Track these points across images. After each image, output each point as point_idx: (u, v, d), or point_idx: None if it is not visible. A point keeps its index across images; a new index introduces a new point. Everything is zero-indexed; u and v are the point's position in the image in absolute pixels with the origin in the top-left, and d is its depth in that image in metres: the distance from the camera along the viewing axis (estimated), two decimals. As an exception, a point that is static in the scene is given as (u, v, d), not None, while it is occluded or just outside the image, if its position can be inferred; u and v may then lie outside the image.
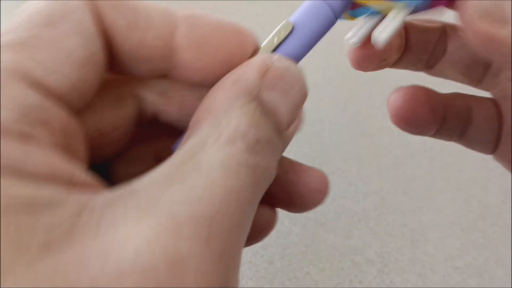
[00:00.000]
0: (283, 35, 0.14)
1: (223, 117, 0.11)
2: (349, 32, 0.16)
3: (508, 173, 0.41)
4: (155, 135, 0.15)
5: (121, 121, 0.13)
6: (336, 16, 0.15)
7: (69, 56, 0.11)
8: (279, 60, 0.13)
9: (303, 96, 0.13)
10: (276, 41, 0.14)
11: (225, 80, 0.12)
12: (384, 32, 0.15)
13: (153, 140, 0.15)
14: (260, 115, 0.12)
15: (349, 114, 0.42)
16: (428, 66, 0.18)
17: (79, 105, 0.11)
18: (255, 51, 0.13)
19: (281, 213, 0.37)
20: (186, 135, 0.12)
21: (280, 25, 0.14)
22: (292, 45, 0.14)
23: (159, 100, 0.14)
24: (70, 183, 0.10)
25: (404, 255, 0.33)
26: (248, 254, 0.33)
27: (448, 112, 0.17)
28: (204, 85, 0.13)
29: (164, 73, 0.13)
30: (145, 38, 0.12)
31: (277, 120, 0.12)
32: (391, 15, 0.15)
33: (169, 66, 0.13)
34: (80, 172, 0.10)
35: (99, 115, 0.13)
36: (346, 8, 0.15)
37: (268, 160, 0.11)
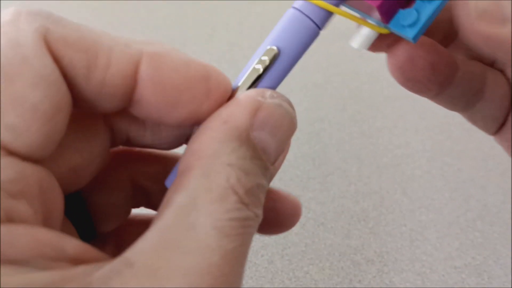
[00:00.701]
0: (268, 62, 0.13)
1: (213, 165, 0.11)
2: (352, 38, 0.15)
3: (507, 173, 0.41)
4: (129, 159, 0.15)
5: (95, 154, 0.13)
6: (320, 28, 0.14)
7: (36, 112, 0.10)
8: (271, 97, 0.12)
9: (292, 131, 0.13)
10: (261, 70, 0.13)
11: (215, 119, 0.12)
12: (353, 41, 0.15)
13: (128, 164, 0.15)
14: (250, 159, 0.11)
15: (348, 114, 0.42)
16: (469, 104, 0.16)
17: (50, 153, 0.11)
18: (226, 92, 0.13)
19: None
20: (176, 181, 0.11)
21: (262, 51, 0.13)
22: (277, 70, 0.14)
23: (131, 127, 0.14)
24: (63, 258, 0.10)
25: (403, 255, 0.33)
26: (249, 253, 0.34)
27: (457, 76, 0.16)
28: (166, 123, 0.13)
29: (127, 109, 0.12)
30: (105, 78, 0.11)
31: (266, 159, 0.12)
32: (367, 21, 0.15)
33: (132, 103, 0.12)
34: (69, 242, 0.10)
35: (71, 153, 0.13)
36: (330, 17, 0.14)
37: (258, 205, 0.11)
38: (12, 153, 0.10)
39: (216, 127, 0.12)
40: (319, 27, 0.14)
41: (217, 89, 0.12)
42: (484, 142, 0.40)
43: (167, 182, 0.14)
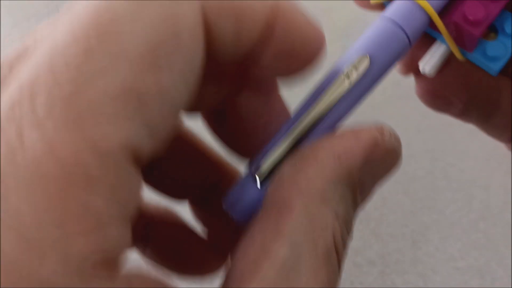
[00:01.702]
0: (360, 71, 0.12)
1: (320, 213, 0.10)
2: (422, 60, 0.14)
3: (509, 173, 0.41)
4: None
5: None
6: (411, 44, 0.13)
7: (172, 113, 0.09)
8: (389, 136, 0.11)
9: (393, 173, 0.11)
10: (352, 79, 0.12)
11: (327, 151, 0.10)
12: (427, 64, 0.14)
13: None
14: (352, 207, 0.10)
15: (349, 114, 0.41)
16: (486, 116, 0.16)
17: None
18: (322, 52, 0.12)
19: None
20: (273, 219, 0.10)
21: (356, 59, 0.12)
22: (366, 83, 0.12)
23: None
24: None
25: (405, 256, 0.33)
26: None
27: (473, 89, 0.15)
28: (276, 76, 0.12)
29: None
30: (248, 42, 0.10)
31: (362, 202, 0.11)
32: (436, 44, 0.14)
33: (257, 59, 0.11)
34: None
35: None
36: (421, 33, 0.13)
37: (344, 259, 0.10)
38: (137, 159, 0.08)
39: (328, 161, 0.10)
40: (410, 42, 0.13)
41: (321, 53, 0.12)
42: (487, 143, 0.39)
43: (228, 203, 0.12)
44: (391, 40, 0.13)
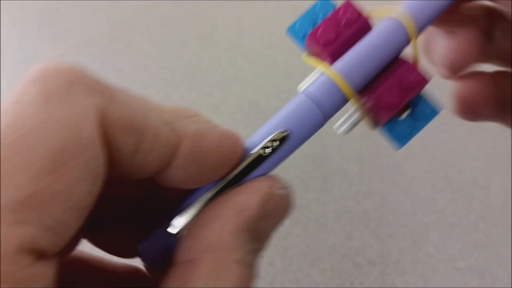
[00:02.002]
0: (275, 145, 0.14)
1: (223, 263, 0.11)
2: (338, 121, 0.16)
3: (510, 173, 0.41)
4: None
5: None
6: (326, 120, 0.15)
7: (75, 210, 0.09)
8: (280, 188, 0.13)
9: (286, 217, 0.13)
10: (267, 151, 0.14)
11: (227, 207, 0.12)
12: (342, 126, 0.15)
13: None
14: (254, 251, 0.12)
15: (349, 114, 0.41)
16: None
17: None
18: (241, 157, 0.13)
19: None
20: (182, 273, 0.11)
21: (273, 134, 0.14)
22: (280, 153, 0.14)
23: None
24: None
25: (405, 256, 0.33)
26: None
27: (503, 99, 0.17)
28: (187, 187, 0.13)
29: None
30: (147, 159, 0.11)
31: (264, 244, 0.12)
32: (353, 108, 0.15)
33: (162, 174, 0.12)
34: None
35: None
36: (339, 109, 0.15)
37: None
38: (41, 255, 0.09)
39: (229, 216, 0.11)
40: (325, 118, 0.15)
41: (238, 158, 0.13)
42: (486, 143, 0.39)
43: (143, 248, 0.13)
44: (307, 117, 0.14)
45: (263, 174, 0.14)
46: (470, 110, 0.17)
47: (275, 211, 0.13)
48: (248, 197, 0.12)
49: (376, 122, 0.15)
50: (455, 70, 0.17)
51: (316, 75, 0.15)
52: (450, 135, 0.41)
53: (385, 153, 0.40)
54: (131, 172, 0.11)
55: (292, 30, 0.15)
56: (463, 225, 0.35)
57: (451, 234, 0.34)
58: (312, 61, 0.15)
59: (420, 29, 0.15)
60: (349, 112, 0.16)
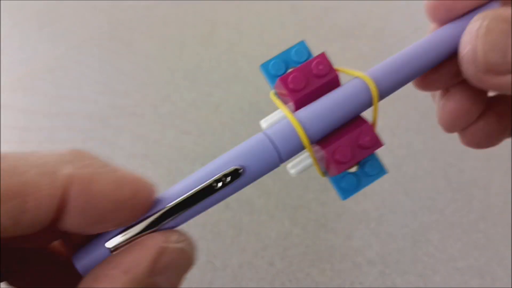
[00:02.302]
0: (228, 180, 0.14)
1: None
2: (292, 162, 0.16)
3: (510, 173, 0.41)
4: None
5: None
6: (281, 163, 0.15)
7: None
8: (176, 241, 0.13)
9: (189, 269, 0.13)
10: (219, 186, 0.14)
11: (115, 267, 0.12)
12: (293, 168, 0.16)
13: None
14: None
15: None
16: None
17: None
18: (151, 202, 0.13)
19: (281, 213, 0.37)
20: None
21: (227, 170, 0.14)
22: (231, 188, 0.14)
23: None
24: None
25: (405, 256, 0.33)
26: (248, 255, 0.33)
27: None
28: (85, 234, 0.13)
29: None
30: (35, 216, 0.11)
31: None
32: (307, 154, 0.16)
33: (58, 222, 0.12)
34: None
35: None
36: (296, 153, 0.15)
37: None
38: None
39: (117, 277, 0.12)
40: (280, 162, 0.15)
41: (141, 203, 0.13)
42: (486, 142, 0.39)
43: (76, 258, 0.14)
44: (263, 158, 0.14)
45: (210, 206, 0.15)
46: (453, 126, 0.18)
47: (170, 266, 0.12)
48: (138, 254, 0.12)
49: (326, 171, 0.16)
50: (450, 130, 0.19)
51: (278, 116, 0.15)
52: (450, 135, 0.41)
53: (385, 153, 0.40)
54: (29, 229, 0.12)
55: (265, 67, 0.16)
56: (463, 225, 0.35)
57: (451, 234, 0.34)
58: (277, 102, 0.16)
59: (383, 94, 0.16)
60: (303, 156, 0.16)
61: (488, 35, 0.14)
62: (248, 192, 0.37)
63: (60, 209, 0.12)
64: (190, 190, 0.14)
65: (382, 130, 0.41)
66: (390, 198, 0.37)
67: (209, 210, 0.38)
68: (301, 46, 0.16)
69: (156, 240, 0.12)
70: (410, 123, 0.42)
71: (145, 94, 0.45)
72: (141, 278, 0.12)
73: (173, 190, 0.14)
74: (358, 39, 0.50)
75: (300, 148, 0.15)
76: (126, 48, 0.50)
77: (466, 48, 0.15)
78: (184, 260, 0.13)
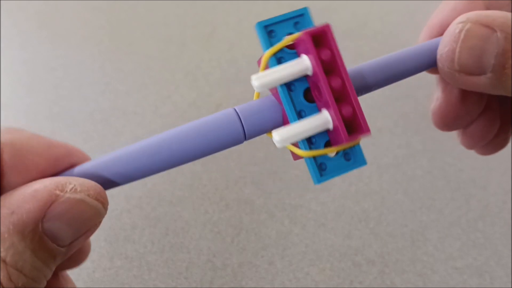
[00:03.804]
0: None
1: None
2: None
3: (508, 173, 0.41)
4: None
5: None
6: (245, 139, 0.15)
7: None
8: (73, 191, 0.12)
9: (96, 221, 0.13)
10: None
11: (3, 205, 0.12)
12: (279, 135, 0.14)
13: None
14: (31, 252, 0.12)
15: (349, 114, 0.41)
16: None
17: None
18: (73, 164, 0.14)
19: (281, 213, 0.37)
20: None
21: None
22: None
23: None
24: None
25: (404, 255, 0.33)
26: (248, 254, 0.33)
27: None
28: None
29: None
30: None
31: (58, 245, 0.12)
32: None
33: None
34: None
35: None
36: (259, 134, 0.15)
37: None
38: None
39: (2, 217, 0.12)
40: (245, 138, 0.15)
41: (79, 163, 0.14)
42: (485, 142, 0.40)
43: None
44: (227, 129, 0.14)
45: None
46: (443, 123, 0.20)
47: (64, 214, 0.12)
48: (28, 198, 0.12)
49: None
50: (441, 127, 0.20)
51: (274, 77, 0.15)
52: (448, 135, 0.41)
53: (385, 153, 0.40)
54: None
55: (262, 29, 0.15)
56: (462, 225, 0.35)
57: (450, 233, 0.35)
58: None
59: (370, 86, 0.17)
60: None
61: (467, 40, 0.15)
62: (248, 192, 0.37)
63: None
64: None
65: (381, 130, 0.41)
66: (389, 198, 0.37)
67: (209, 209, 0.38)
68: (306, 19, 0.15)
69: (47, 188, 0.12)
70: (409, 123, 0.42)
71: (146, 94, 0.45)
72: (27, 223, 0.12)
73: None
74: (357, 39, 0.50)
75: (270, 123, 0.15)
76: (126, 48, 0.50)
77: (445, 48, 0.15)
78: (84, 210, 0.13)
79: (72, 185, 0.13)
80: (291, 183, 0.37)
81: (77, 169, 0.14)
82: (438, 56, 0.16)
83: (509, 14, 0.15)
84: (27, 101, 0.44)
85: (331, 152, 0.15)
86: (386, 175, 0.38)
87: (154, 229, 0.35)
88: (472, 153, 0.39)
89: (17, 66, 0.48)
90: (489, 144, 0.21)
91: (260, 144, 0.39)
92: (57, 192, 0.12)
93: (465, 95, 0.19)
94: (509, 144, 0.39)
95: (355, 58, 0.47)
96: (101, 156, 0.14)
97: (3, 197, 0.12)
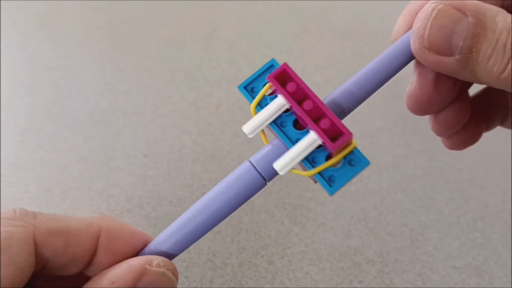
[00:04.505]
0: None
1: None
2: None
3: (507, 173, 0.41)
4: None
5: None
6: (266, 182, 0.17)
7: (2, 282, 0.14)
8: (157, 266, 0.15)
9: None
10: None
11: (104, 278, 0.15)
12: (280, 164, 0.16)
13: None
14: None
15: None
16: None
17: None
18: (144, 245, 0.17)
19: (280, 212, 0.37)
20: None
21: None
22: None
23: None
24: None
25: (404, 255, 0.33)
26: (248, 254, 0.33)
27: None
28: None
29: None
30: (76, 252, 0.15)
31: None
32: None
33: (89, 265, 0.16)
34: None
35: None
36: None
37: None
38: None
39: (104, 286, 0.15)
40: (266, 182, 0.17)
41: (142, 243, 0.17)
42: (484, 142, 0.40)
43: None
44: (252, 187, 0.17)
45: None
46: (417, 106, 0.20)
47: (152, 285, 0.15)
48: (124, 270, 0.15)
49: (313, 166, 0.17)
50: (414, 110, 0.20)
51: (260, 120, 0.17)
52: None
53: (384, 153, 0.40)
54: (68, 266, 0.15)
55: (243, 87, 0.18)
56: (461, 224, 0.35)
57: (450, 233, 0.35)
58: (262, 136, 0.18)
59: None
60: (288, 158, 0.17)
61: (438, 18, 0.16)
62: (247, 192, 0.37)
63: (93, 251, 0.16)
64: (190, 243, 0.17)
65: (380, 129, 0.42)
66: (388, 198, 0.37)
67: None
68: (275, 67, 0.18)
69: (138, 262, 0.15)
70: (409, 123, 0.42)
71: (146, 94, 0.45)
72: None
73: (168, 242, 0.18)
74: (357, 39, 0.50)
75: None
76: (126, 48, 0.50)
77: (417, 24, 0.16)
78: (164, 282, 0.16)
79: (157, 261, 0.16)
80: (291, 183, 0.38)
81: (147, 250, 0.18)
82: (412, 32, 0.17)
83: (482, 3, 0.16)
84: (27, 101, 0.44)
85: (331, 164, 0.16)
86: (386, 175, 0.38)
87: (155, 229, 0.35)
88: (472, 153, 0.40)
89: (17, 66, 0.48)
90: (458, 136, 0.22)
91: (261, 144, 0.40)
92: (147, 266, 0.15)
93: (439, 80, 0.19)
94: (508, 144, 0.39)
95: (355, 58, 0.47)
96: (160, 233, 0.18)
97: (104, 271, 0.15)
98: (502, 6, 0.18)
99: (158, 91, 0.45)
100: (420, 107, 0.20)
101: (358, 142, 0.42)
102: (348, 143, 0.16)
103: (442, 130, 0.22)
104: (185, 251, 0.30)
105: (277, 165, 0.16)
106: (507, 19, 0.15)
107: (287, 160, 0.16)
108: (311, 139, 0.16)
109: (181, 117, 0.43)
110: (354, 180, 0.38)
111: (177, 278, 0.16)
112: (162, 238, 0.17)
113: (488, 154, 0.39)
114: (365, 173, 0.38)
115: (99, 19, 0.53)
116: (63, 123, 0.42)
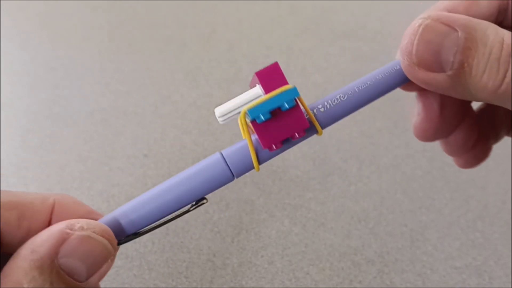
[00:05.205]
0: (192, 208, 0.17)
1: None
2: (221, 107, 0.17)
3: (507, 173, 0.41)
4: None
5: None
6: (234, 177, 0.17)
7: None
8: (81, 229, 0.15)
9: (105, 255, 0.15)
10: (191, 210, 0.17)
11: (25, 247, 0.14)
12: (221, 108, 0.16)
13: None
14: (50, 284, 0.14)
15: (348, 114, 0.42)
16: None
17: None
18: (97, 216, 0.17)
19: (280, 212, 0.37)
20: None
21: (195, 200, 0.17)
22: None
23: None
24: None
25: (404, 255, 0.33)
26: (248, 254, 0.33)
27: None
28: None
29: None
30: (31, 226, 0.15)
31: (76, 279, 0.14)
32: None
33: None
34: None
35: None
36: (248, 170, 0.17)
37: None
38: None
39: (24, 255, 0.14)
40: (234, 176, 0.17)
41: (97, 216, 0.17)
42: (484, 142, 0.40)
43: None
44: (220, 180, 0.17)
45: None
46: (425, 136, 0.20)
47: (76, 249, 0.14)
48: (44, 237, 0.14)
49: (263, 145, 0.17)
50: (422, 140, 0.21)
51: (232, 106, 0.16)
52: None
53: (384, 153, 0.40)
54: (20, 241, 0.15)
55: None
56: (461, 224, 0.35)
57: (450, 233, 0.35)
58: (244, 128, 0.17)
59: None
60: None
61: (424, 34, 0.15)
62: (248, 192, 0.37)
63: (48, 222, 0.15)
64: (157, 219, 0.17)
65: (381, 130, 0.42)
66: (388, 198, 0.37)
67: (209, 209, 0.38)
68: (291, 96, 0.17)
69: (59, 227, 0.15)
70: (409, 124, 0.42)
71: (146, 94, 0.45)
72: (44, 259, 0.14)
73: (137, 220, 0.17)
74: (357, 39, 0.50)
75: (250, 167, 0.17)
76: (126, 48, 0.50)
77: (405, 41, 0.16)
78: (93, 246, 0.15)
79: (79, 224, 0.15)
80: (291, 183, 0.38)
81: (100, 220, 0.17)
82: (399, 50, 0.17)
83: (472, 18, 0.15)
84: (27, 101, 0.44)
85: (265, 98, 0.16)
86: (386, 175, 0.38)
87: (154, 229, 0.35)
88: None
89: (17, 66, 0.48)
90: (469, 154, 0.22)
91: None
92: (68, 230, 0.14)
93: (444, 108, 0.19)
94: (508, 145, 0.39)
95: (354, 59, 0.47)
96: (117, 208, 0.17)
97: (29, 240, 0.15)
98: (499, 11, 0.18)
99: (158, 91, 0.45)
100: (429, 137, 0.20)
101: (359, 142, 0.42)
102: (277, 73, 0.16)
103: (454, 151, 0.22)
104: (185, 251, 0.30)
105: (217, 110, 0.16)
106: (498, 32, 0.15)
107: (228, 107, 0.16)
108: (254, 91, 0.16)
109: (181, 117, 0.43)
110: (354, 180, 0.38)
111: (112, 243, 0.15)
112: (118, 213, 0.17)
113: (488, 154, 0.39)
114: (365, 173, 0.38)
115: (99, 19, 0.53)
116: (63, 123, 0.42)
